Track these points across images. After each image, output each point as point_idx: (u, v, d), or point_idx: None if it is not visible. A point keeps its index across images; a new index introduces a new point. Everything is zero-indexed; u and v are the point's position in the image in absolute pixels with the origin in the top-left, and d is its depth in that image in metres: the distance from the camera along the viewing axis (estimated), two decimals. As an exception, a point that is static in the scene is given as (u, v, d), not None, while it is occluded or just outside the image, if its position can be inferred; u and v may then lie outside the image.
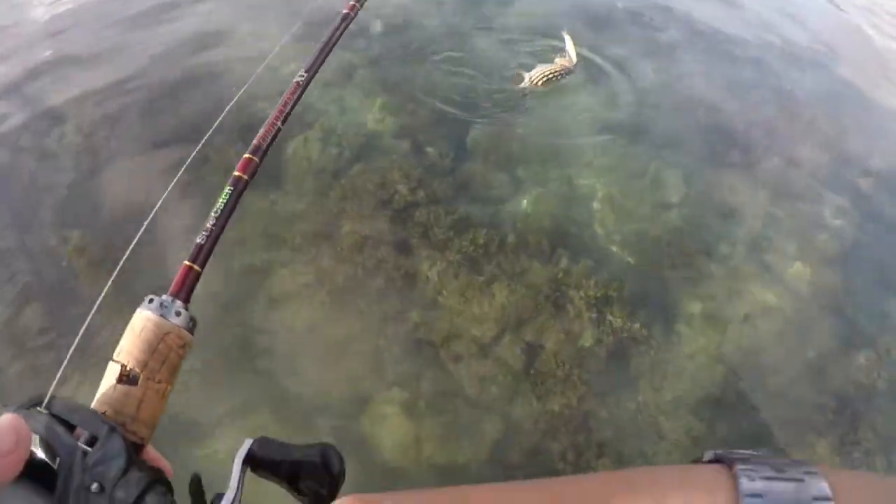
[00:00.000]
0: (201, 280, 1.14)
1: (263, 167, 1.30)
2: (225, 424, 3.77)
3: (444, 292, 4.36)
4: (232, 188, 1.23)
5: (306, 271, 4.34)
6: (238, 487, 0.85)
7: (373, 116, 5.40)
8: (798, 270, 5.13)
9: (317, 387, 3.96)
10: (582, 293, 4.55)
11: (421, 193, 4.83)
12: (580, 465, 3.93)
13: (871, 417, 4.42)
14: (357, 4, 1.69)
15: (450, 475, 3.77)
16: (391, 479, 3.74)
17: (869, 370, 4.65)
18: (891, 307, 5.12)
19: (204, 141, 1.47)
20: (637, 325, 4.51)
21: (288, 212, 4.65)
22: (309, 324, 4.15)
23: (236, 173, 1.26)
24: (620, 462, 4.02)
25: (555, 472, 3.86)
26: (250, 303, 4.22)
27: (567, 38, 5.85)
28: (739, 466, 0.76)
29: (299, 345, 4.08)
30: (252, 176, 1.28)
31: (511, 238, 4.72)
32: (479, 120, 5.57)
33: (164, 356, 0.99)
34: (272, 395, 3.92)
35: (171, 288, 1.09)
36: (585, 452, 3.98)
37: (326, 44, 1.54)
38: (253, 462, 0.88)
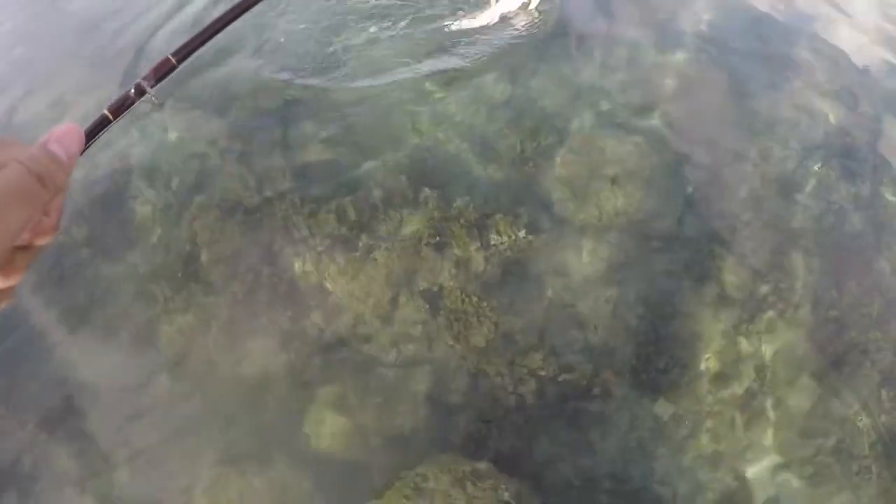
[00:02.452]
0: None
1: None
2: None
3: (329, 281, 4.48)
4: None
5: (188, 319, 4.40)
6: None
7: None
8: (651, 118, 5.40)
9: (248, 426, 4.11)
10: (461, 222, 4.71)
11: (266, 192, 4.86)
12: (517, 378, 4.19)
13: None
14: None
15: (399, 444, 4.01)
16: (349, 474, 3.98)
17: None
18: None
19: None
20: (522, 233, 4.71)
21: (151, 265, 4.67)
22: (213, 371, 4.25)
23: None
24: (556, 356, 4.29)
25: (496, 395, 4.15)
26: (156, 376, 4.30)
27: None
28: None
29: (216, 394, 4.20)
30: None
31: (374, 196, 4.83)
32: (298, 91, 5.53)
33: None
34: (213, 450, 4.06)
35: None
36: (517, 363, 4.23)
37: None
38: None
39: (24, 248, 0.80)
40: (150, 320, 4.47)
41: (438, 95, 5.53)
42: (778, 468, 4.14)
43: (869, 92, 6.15)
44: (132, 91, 1.45)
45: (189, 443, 4.11)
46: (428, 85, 5.61)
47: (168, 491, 3.97)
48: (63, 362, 4.39)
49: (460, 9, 6.26)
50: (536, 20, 6.14)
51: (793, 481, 4.10)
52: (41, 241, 0.82)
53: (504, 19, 6.13)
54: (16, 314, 4.52)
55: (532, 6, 6.11)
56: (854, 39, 6.67)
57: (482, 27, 6.11)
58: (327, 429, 4.10)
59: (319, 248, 4.60)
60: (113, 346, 4.40)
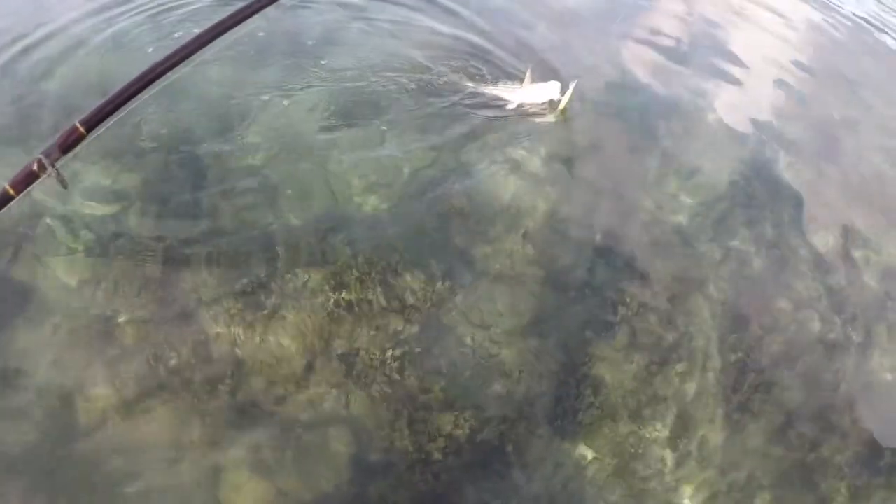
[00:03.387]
0: None
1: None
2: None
3: (241, 344, 4.41)
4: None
5: (106, 393, 4.22)
6: None
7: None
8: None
9: (163, 492, 3.95)
10: (372, 277, 4.75)
11: (174, 253, 4.79)
12: (434, 432, 4.22)
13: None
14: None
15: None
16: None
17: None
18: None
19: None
20: (440, 284, 4.79)
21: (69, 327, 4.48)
22: (130, 444, 4.08)
23: None
24: (474, 408, 4.33)
25: (421, 450, 4.14)
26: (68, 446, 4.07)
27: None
28: None
29: (129, 467, 4.01)
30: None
31: (280, 254, 4.86)
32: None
33: None
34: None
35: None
36: (432, 420, 4.26)
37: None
38: None
39: None
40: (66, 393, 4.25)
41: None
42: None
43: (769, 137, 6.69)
44: (34, 165, 1.35)
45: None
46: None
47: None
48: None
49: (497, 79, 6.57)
50: (555, 120, 6.39)
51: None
52: None
53: (523, 104, 6.40)
54: None
55: (560, 107, 6.35)
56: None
57: (501, 99, 6.37)
58: (244, 491, 3.98)
59: (231, 309, 4.54)
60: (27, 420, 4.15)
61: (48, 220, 4.93)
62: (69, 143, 1.33)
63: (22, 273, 4.69)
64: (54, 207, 5.00)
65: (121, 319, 4.51)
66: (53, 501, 3.88)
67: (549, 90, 6.31)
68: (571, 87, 6.25)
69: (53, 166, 1.35)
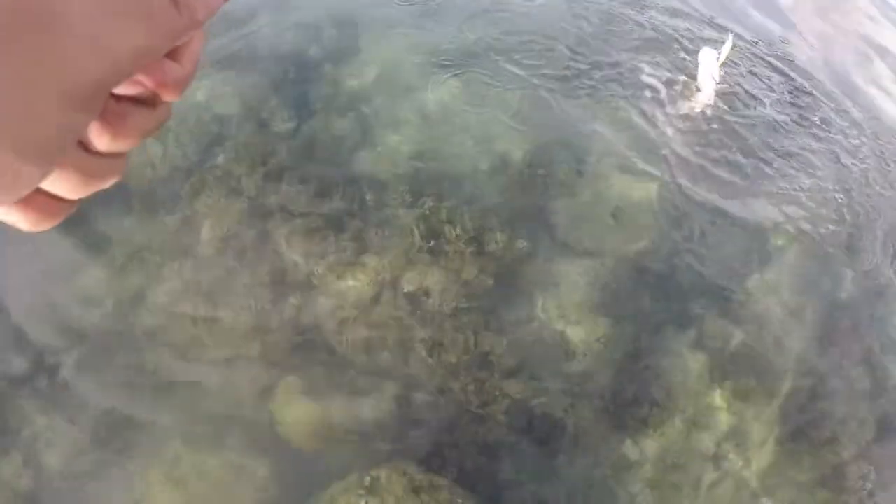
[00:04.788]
0: None
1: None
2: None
3: (316, 268, 4.49)
4: None
5: (174, 289, 4.40)
6: None
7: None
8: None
9: (218, 399, 4.13)
10: (458, 229, 4.73)
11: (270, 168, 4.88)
12: (489, 397, 4.23)
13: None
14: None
15: (360, 444, 4.06)
16: (310, 462, 4.01)
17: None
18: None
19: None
20: (520, 242, 4.75)
21: (146, 231, 4.66)
22: (189, 343, 4.26)
23: None
24: (533, 379, 4.33)
25: (465, 411, 4.19)
26: (129, 337, 4.29)
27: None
28: None
29: (188, 366, 4.21)
30: None
31: (370, 192, 4.86)
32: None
33: None
34: (180, 419, 4.09)
35: None
36: (487, 382, 4.27)
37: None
38: None
39: (142, 103, 0.60)
40: (140, 287, 4.45)
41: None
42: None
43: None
44: None
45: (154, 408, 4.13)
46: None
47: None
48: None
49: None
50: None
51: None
52: (166, 97, 0.61)
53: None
54: None
55: (720, 62, 5.95)
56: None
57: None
58: (291, 412, 4.13)
59: (312, 232, 4.61)
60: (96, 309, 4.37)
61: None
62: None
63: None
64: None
65: (204, 225, 4.69)
66: (106, 376, 4.15)
67: (706, 57, 5.95)
68: (729, 40, 5.89)
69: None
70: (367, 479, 3.75)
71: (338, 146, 5.14)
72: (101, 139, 0.57)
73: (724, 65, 5.93)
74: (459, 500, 3.76)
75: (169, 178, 4.84)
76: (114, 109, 0.57)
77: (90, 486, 3.84)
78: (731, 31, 6.19)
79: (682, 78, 6.11)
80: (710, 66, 5.90)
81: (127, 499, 3.85)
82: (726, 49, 5.87)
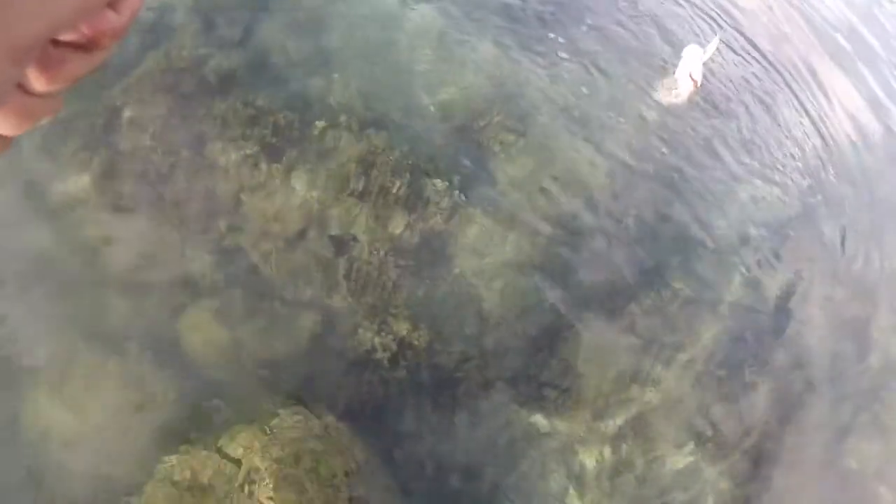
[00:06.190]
0: None
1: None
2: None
3: (246, 189, 4.35)
4: None
5: (82, 182, 4.20)
6: None
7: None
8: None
9: (125, 307, 4.01)
10: (389, 172, 4.63)
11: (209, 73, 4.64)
12: (402, 347, 4.24)
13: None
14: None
15: (271, 371, 4.03)
16: (214, 386, 3.96)
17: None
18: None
19: None
20: (454, 203, 4.67)
21: (67, 113, 4.39)
22: (99, 243, 4.10)
23: None
24: (446, 336, 4.33)
25: (376, 359, 4.19)
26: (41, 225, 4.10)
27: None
28: None
29: (97, 268, 4.06)
30: None
31: (317, 114, 4.72)
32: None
33: None
34: (82, 319, 3.96)
35: None
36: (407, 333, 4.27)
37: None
38: None
39: (80, 48, 0.62)
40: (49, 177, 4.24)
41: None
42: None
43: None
44: None
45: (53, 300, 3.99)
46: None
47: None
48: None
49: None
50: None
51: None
52: (103, 44, 0.62)
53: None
54: None
55: (704, 58, 5.89)
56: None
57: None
58: (201, 332, 4.05)
59: (248, 151, 4.44)
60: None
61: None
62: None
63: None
64: None
65: (126, 114, 4.46)
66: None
67: (690, 55, 5.92)
68: (715, 40, 5.92)
69: None
70: (270, 422, 3.76)
71: (287, 65, 4.94)
72: (38, 82, 0.59)
73: (706, 63, 5.93)
74: (356, 448, 3.79)
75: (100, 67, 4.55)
76: (52, 55, 0.58)
77: None
78: (720, 29, 6.21)
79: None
80: (692, 63, 5.85)
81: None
82: (712, 48, 5.85)
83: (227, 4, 5.02)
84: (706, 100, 6.09)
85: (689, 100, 5.93)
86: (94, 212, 4.19)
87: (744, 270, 5.31)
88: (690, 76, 5.81)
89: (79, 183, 4.22)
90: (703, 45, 5.93)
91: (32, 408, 3.72)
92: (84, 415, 3.77)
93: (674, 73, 5.96)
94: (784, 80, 6.69)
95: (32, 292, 3.96)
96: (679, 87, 5.90)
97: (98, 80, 4.48)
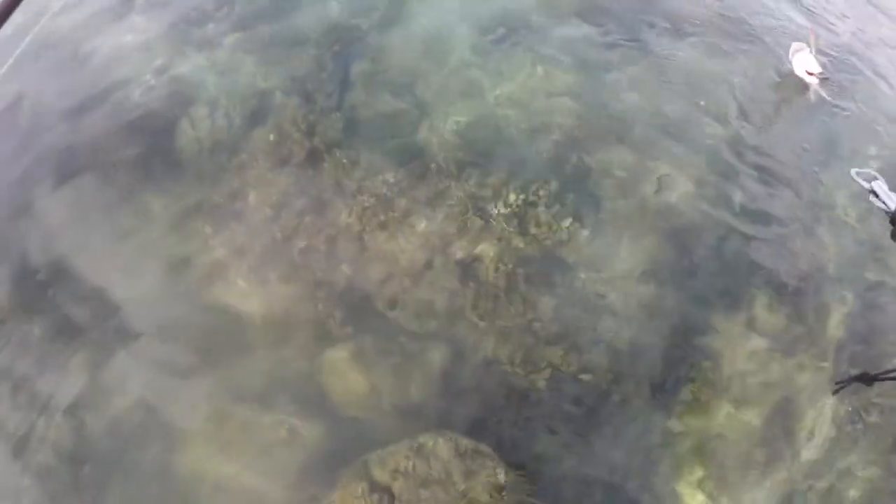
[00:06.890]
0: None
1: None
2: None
3: (367, 239, 4.68)
4: None
5: (222, 254, 4.64)
6: None
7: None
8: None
9: (265, 363, 4.33)
10: (502, 202, 4.88)
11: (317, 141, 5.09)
12: (535, 368, 4.37)
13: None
14: None
15: (408, 411, 4.21)
16: (355, 427, 4.16)
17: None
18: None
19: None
20: (568, 220, 4.87)
21: (194, 198, 4.90)
22: (237, 307, 4.48)
23: None
24: (577, 349, 4.45)
25: (510, 382, 4.33)
26: (183, 299, 4.55)
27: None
28: None
29: (235, 328, 4.42)
30: None
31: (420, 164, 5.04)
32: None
33: None
34: (224, 378, 4.29)
35: None
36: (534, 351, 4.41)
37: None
38: None
39: None
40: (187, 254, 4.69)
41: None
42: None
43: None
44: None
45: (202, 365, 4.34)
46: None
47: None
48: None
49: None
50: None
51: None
52: None
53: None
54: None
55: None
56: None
57: None
58: (338, 377, 4.30)
59: (365, 203, 4.79)
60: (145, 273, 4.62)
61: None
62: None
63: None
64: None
65: (251, 195, 4.89)
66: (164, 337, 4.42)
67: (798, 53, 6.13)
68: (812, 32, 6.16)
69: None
70: (416, 444, 3.95)
71: (385, 120, 5.32)
72: None
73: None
74: (501, 469, 3.92)
75: (216, 147, 5.11)
76: None
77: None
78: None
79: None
80: (805, 59, 6.03)
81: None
82: (813, 41, 6.02)
83: (321, 78, 5.51)
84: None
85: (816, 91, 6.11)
86: (233, 278, 4.62)
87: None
88: (807, 72, 5.99)
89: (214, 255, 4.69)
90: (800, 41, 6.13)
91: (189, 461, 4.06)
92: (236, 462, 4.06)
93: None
94: None
95: (181, 358, 4.37)
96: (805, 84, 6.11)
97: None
